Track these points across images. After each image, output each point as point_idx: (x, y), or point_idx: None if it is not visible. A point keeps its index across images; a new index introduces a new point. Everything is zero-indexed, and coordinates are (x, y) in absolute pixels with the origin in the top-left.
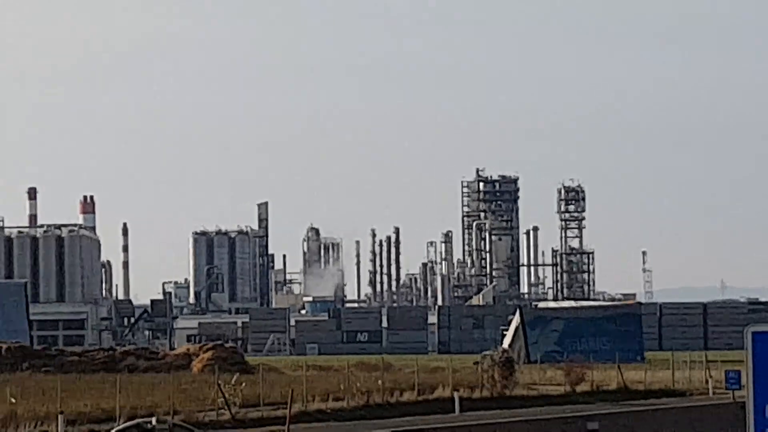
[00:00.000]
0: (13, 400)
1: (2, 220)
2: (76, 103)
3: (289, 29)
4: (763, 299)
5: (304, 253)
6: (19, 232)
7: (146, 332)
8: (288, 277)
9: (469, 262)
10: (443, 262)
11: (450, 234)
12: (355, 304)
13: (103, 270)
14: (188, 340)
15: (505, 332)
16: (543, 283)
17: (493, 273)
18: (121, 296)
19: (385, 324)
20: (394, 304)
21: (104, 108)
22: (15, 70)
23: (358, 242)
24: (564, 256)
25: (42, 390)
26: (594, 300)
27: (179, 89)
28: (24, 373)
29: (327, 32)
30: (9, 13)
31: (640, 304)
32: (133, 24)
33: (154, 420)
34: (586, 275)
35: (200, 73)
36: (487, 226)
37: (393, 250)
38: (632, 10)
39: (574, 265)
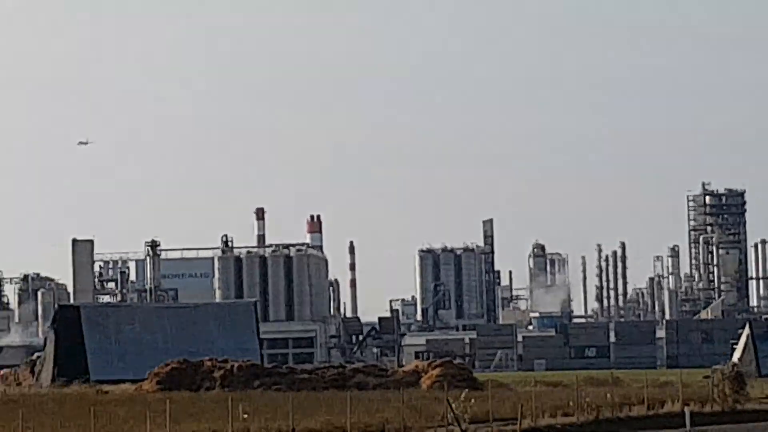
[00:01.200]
0: (246, 416)
1: (231, 241)
2: (299, 123)
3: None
4: None
5: (530, 269)
6: (248, 252)
7: (374, 349)
8: (514, 293)
9: (696, 276)
10: (670, 277)
11: (676, 248)
12: (583, 320)
13: (331, 288)
14: (416, 357)
15: (734, 346)
16: None
17: (721, 287)
18: (349, 314)
19: (612, 339)
20: (622, 319)
21: (328, 128)
22: (247, 89)
23: (584, 257)
24: None
25: (274, 407)
26: None
27: (401, 108)
28: (256, 391)
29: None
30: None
31: None
32: (345, 44)
33: None
34: None
35: (421, 91)
36: (714, 240)
37: (619, 264)
38: None
39: None
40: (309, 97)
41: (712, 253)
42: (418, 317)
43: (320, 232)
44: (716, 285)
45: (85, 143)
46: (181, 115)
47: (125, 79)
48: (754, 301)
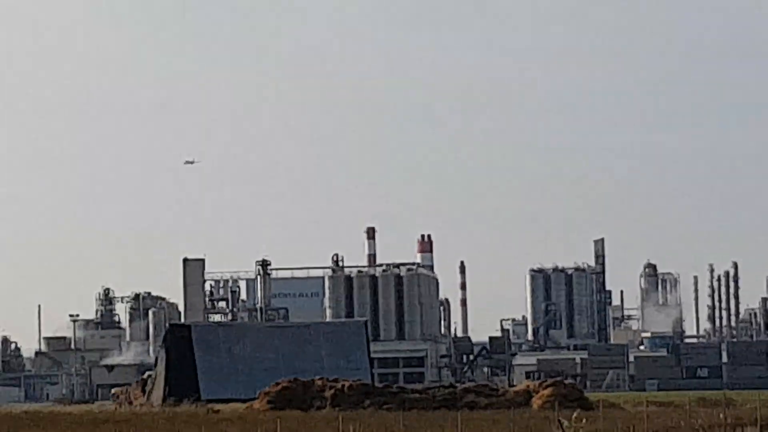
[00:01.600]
0: None
1: (342, 260)
2: (411, 143)
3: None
4: None
5: (642, 289)
6: (359, 271)
7: (485, 369)
8: (625, 312)
9: None
10: None
11: None
12: (695, 340)
13: (442, 308)
14: (527, 377)
15: None
16: None
17: None
18: (459, 333)
19: (725, 359)
20: (734, 339)
21: (439, 148)
22: (360, 107)
23: (696, 277)
24: None
25: (384, 427)
26: None
27: (512, 127)
28: (366, 411)
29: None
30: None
31: None
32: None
33: None
34: None
35: (530, 110)
36: None
37: (732, 284)
38: None
39: None
40: (420, 117)
41: None
42: (529, 337)
43: (431, 251)
44: None
45: (192, 162)
46: (291, 135)
47: (235, 98)
48: None
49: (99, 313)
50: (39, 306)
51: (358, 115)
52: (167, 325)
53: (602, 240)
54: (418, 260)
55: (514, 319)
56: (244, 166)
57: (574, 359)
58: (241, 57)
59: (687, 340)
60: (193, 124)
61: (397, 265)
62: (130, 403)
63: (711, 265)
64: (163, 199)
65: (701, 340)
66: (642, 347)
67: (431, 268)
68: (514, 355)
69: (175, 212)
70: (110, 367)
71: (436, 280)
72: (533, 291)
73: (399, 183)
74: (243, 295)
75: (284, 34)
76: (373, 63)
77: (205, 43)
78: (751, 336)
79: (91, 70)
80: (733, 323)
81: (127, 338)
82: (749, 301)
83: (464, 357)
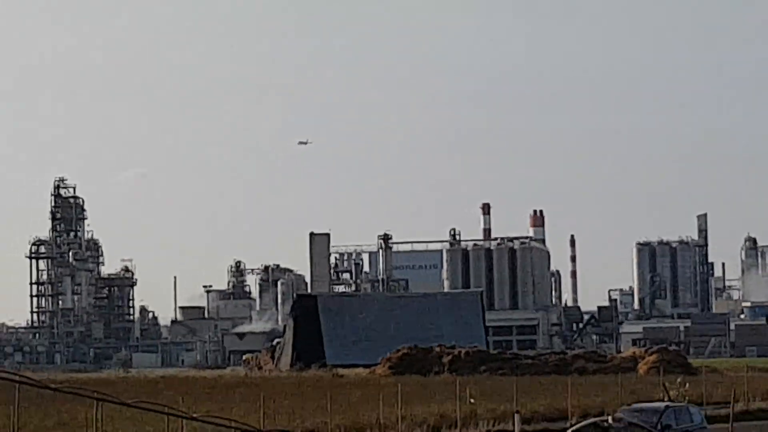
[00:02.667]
0: (473, 401)
1: (459, 234)
2: (521, 124)
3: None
4: None
5: (742, 261)
6: (475, 245)
7: (594, 336)
8: (727, 283)
9: None
10: None
11: None
12: None
13: (553, 279)
14: (633, 344)
15: None
16: None
17: None
18: (569, 303)
19: None
20: None
21: (548, 128)
22: (473, 87)
23: None
24: None
25: (499, 391)
26: None
27: (618, 109)
28: (482, 376)
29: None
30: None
31: None
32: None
33: (609, 419)
34: None
35: (636, 92)
36: None
37: None
38: None
39: None
40: (535, 98)
41: None
42: (635, 306)
43: (543, 226)
44: None
45: (305, 143)
46: (413, 116)
47: (352, 79)
48: None
49: (231, 284)
50: (175, 278)
51: (470, 95)
52: (295, 295)
53: (705, 215)
54: (531, 234)
55: (621, 290)
56: (368, 148)
57: (678, 327)
58: (352, 42)
59: None
60: (320, 103)
61: (511, 239)
62: (260, 368)
63: None
64: (291, 178)
65: None
66: (742, 316)
67: (543, 241)
68: (621, 323)
69: (302, 190)
70: (241, 335)
71: (548, 252)
72: (639, 263)
73: (513, 161)
74: (366, 268)
75: (420, 17)
76: (487, 48)
77: (321, 25)
78: None
79: (221, 53)
80: None
81: (257, 308)
82: None
83: (574, 325)
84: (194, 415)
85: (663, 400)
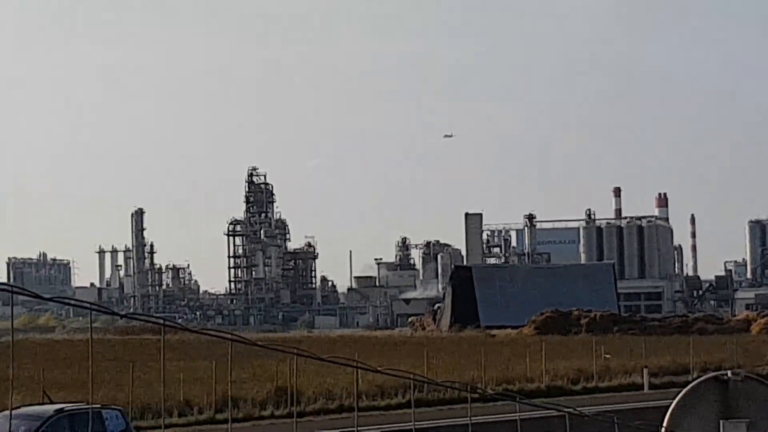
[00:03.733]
0: (608, 356)
1: (594, 214)
2: (646, 114)
3: None
4: None
5: None
6: (607, 223)
7: (711, 302)
8: None
9: None
10: None
11: None
12: None
13: (675, 252)
14: (746, 308)
15: None
16: None
17: None
18: (690, 273)
19: None
20: None
21: (671, 118)
22: (605, 72)
23: None
24: None
25: (629, 348)
26: None
27: (732, 92)
28: (614, 335)
29: None
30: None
31: None
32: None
33: (729, 372)
34: None
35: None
36: None
37: None
38: None
39: None
40: (655, 92)
41: None
42: (748, 276)
43: (666, 206)
44: None
45: (450, 136)
46: (547, 111)
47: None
48: None
49: (398, 258)
50: (350, 252)
51: (610, 92)
52: (453, 266)
53: None
54: (656, 213)
55: (735, 262)
56: (516, 139)
57: None
58: (507, 38)
59: None
60: (470, 99)
61: (639, 218)
62: (423, 329)
63: None
64: (449, 165)
65: None
66: None
67: (666, 220)
68: (735, 290)
69: (458, 175)
70: (407, 300)
71: (671, 229)
72: (751, 238)
73: (640, 149)
74: (513, 243)
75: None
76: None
77: (468, 27)
78: None
79: (398, 52)
80: None
81: (420, 277)
82: None
83: (694, 292)
84: (378, 368)
85: None
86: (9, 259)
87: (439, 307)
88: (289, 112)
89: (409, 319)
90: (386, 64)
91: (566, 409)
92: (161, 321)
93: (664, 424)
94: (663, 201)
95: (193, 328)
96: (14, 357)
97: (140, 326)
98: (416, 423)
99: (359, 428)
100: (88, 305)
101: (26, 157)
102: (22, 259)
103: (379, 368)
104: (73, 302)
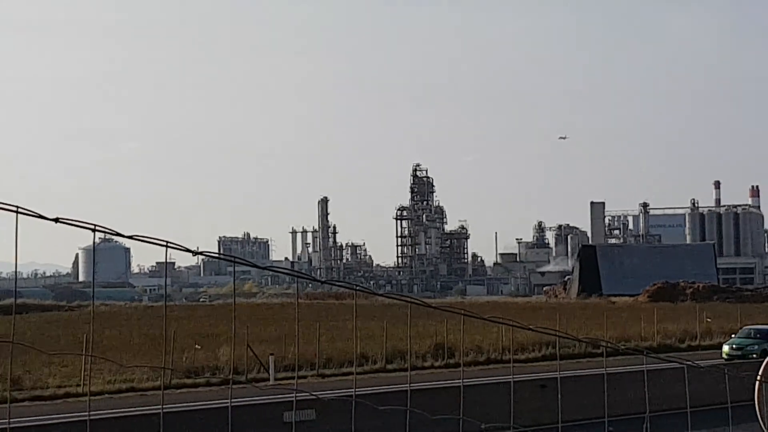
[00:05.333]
0: (709, 320)
1: (697, 202)
2: (740, 110)
3: None
4: None
5: None
6: (709, 210)
7: None
8: None
9: None
10: None
11: None
12: None
13: (765, 234)
14: None
15: None
16: None
17: None
18: None
19: None
20: None
21: (757, 121)
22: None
23: None
24: None
25: (727, 313)
26: None
27: None
28: (714, 303)
29: None
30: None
31: None
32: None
33: None
34: None
35: None
36: None
37: None
38: None
39: None
40: (747, 96)
41: None
42: None
43: (758, 196)
44: None
45: (564, 138)
46: (650, 110)
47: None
48: None
49: (535, 238)
50: (496, 233)
51: (711, 97)
52: (580, 245)
53: None
54: (749, 203)
55: None
56: (631, 137)
57: None
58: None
59: None
60: (562, 102)
61: (735, 206)
62: (555, 296)
63: None
64: (576, 161)
65: None
66: None
67: (758, 207)
68: None
69: (585, 169)
70: (542, 273)
71: (762, 216)
72: None
73: (737, 146)
74: (630, 226)
75: None
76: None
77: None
78: None
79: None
80: None
81: (553, 254)
82: None
83: None
84: (529, 326)
85: None
86: (220, 237)
87: (568, 279)
88: (449, 114)
89: (544, 288)
90: (531, 73)
91: (686, 362)
92: (354, 286)
93: (760, 373)
94: (756, 192)
95: (380, 293)
96: (235, 317)
97: (325, 292)
98: (561, 372)
99: (511, 376)
100: (293, 272)
101: (234, 155)
102: (230, 237)
103: (530, 326)
104: (281, 270)
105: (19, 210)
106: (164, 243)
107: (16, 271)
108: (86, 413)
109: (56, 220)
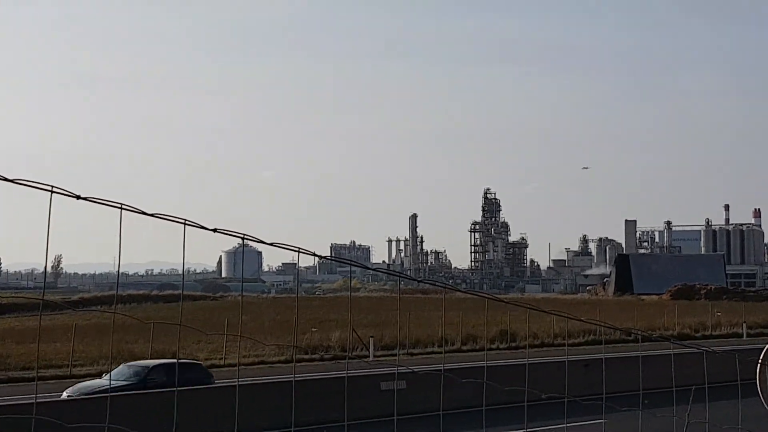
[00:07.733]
0: (719, 315)
1: (710, 221)
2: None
3: None
4: None
5: None
6: (720, 228)
7: None
8: None
9: None
10: None
11: None
12: None
13: (765, 248)
14: None
15: None
16: None
17: None
18: None
19: None
20: None
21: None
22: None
23: None
24: None
25: (733, 310)
26: None
27: None
28: (723, 301)
29: None
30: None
31: None
32: None
33: None
34: None
35: None
36: None
37: None
38: None
39: None
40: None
41: None
42: None
43: (760, 217)
44: None
45: (587, 168)
46: (676, 139)
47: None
48: None
49: (580, 248)
50: (549, 244)
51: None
52: (616, 254)
53: None
54: (753, 222)
55: None
56: (650, 167)
57: None
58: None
59: None
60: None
61: (741, 225)
62: (596, 294)
63: None
64: (617, 187)
65: None
66: None
67: (760, 226)
68: None
69: (621, 193)
70: (586, 276)
71: (763, 233)
72: None
73: (744, 175)
74: (657, 239)
75: None
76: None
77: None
78: None
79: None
80: None
81: (595, 261)
82: None
83: None
84: (581, 318)
85: None
86: (332, 244)
87: (606, 280)
88: (511, 150)
89: (587, 288)
90: (565, 112)
91: (703, 348)
92: (442, 284)
93: (760, 358)
94: (758, 213)
95: (462, 289)
96: (351, 308)
97: (414, 288)
98: (605, 354)
99: (566, 357)
100: (402, 274)
101: (328, 164)
102: (339, 244)
103: (579, 318)
104: (388, 272)
105: (187, 222)
106: (296, 247)
107: (183, 271)
108: (234, 380)
109: (215, 230)
